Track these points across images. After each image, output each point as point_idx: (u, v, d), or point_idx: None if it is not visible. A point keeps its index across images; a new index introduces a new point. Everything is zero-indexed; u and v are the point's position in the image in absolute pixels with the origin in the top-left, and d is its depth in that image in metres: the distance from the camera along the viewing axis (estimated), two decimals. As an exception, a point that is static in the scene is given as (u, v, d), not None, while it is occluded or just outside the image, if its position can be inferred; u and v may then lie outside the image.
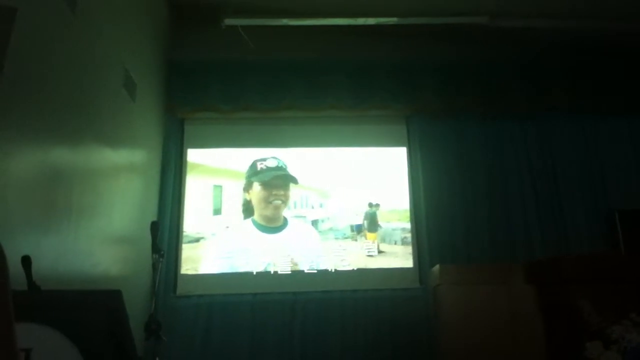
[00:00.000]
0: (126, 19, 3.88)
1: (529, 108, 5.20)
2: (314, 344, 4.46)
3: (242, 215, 4.94)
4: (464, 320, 3.85)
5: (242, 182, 5.03)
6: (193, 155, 5.09)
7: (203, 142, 5.13)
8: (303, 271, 4.78)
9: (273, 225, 4.93)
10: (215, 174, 5.04)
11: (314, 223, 4.97)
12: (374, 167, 5.17)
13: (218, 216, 4.91)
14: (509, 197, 4.99)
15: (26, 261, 1.98)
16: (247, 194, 4.99)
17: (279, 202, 4.97)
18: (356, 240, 4.93)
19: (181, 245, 4.80)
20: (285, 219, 4.95)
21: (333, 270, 4.81)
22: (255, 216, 4.94)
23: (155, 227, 2.58)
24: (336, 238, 4.92)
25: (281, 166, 5.09)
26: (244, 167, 5.06)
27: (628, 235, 4.47)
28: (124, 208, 3.87)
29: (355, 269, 4.83)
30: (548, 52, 5.33)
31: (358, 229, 4.96)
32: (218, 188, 4.99)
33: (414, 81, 5.16)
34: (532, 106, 5.19)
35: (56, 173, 2.75)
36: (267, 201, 4.97)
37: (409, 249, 4.94)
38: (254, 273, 4.75)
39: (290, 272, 4.77)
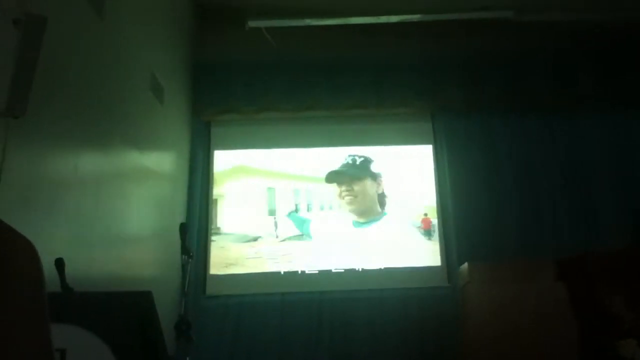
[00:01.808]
0: (152, 22, 3.94)
1: (556, 102, 5.11)
2: (342, 343, 4.46)
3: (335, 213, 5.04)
4: (492, 318, 3.80)
5: (290, 182, 5.11)
6: (243, 158, 5.15)
7: (229, 144, 5.17)
8: (330, 270, 4.79)
9: (364, 219, 5.02)
10: (266, 175, 5.12)
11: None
12: (399, 165, 5.16)
13: (272, 217, 4.99)
14: (538, 192, 4.92)
15: (59, 263, 2.03)
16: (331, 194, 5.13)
17: (350, 197, 5.05)
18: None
19: (209, 246, 4.85)
20: (382, 213, 5.02)
21: (360, 269, 4.80)
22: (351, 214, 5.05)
23: (184, 228, 2.61)
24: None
25: (347, 162, 5.18)
26: (292, 168, 5.14)
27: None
28: (153, 210, 3.93)
29: (382, 268, 4.81)
30: (575, 46, 5.22)
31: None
32: (272, 190, 5.06)
33: (438, 78, 5.13)
34: (560, 100, 5.10)
35: (87, 176, 2.81)
36: (340, 197, 5.06)
37: (436, 248, 4.90)
38: (282, 273, 4.77)
39: (317, 272, 4.78)
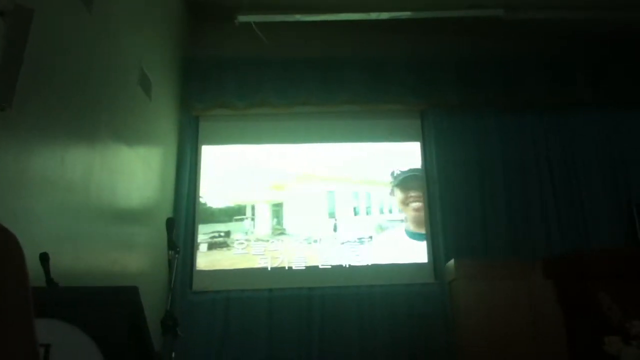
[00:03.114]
0: (142, 17, 3.91)
1: (548, 101, 5.14)
2: (331, 339, 4.47)
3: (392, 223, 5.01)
4: (480, 315, 3.83)
5: (351, 186, 5.10)
6: (298, 166, 5.12)
7: (218, 139, 5.16)
8: (317, 267, 4.79)
9: (420, 231, 4.97)
10: (326, 180, 5.10)
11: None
12: (388, 162, 5.18)
13: (332, 219, 4.99)
14: (527, 191, 4.95)
15: (44, 258, 2.01)
16: (393, 199, 5.08)
17: (418, 204, 5.02)
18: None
19: (197, 242, 4.83)
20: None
21: (347, 266, 4.81)
22: (408, 223, 5.01)
23: (170, 223, 2.60)
24: None
25: (416, 168, 5.16)
26: (350, 172, 5.12)
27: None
28: (141, 205, 3.91)
29: (369, 264, 4.83)
30: (567, 44, 5.26)
31: None
32: (332, 193, 5.06)
33: (430, 75, 5.14)
34: (552, 99, 5.13)
35: (74, 170, 2.79)
36: (405, 204, 5.04)
37: (423, 244, 4.93)
38: (269, 269, 4.77)
39: (304, 268, 4.78)
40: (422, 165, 5.15)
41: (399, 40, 5.19)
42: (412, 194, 5.08)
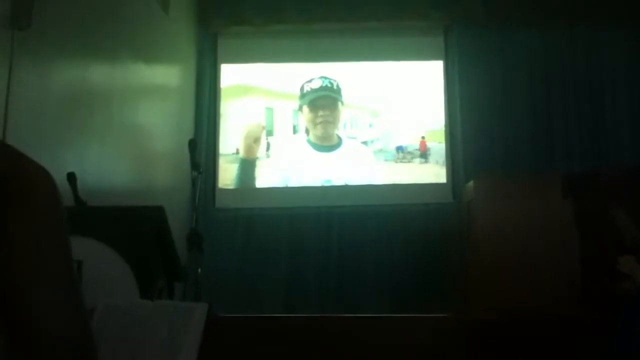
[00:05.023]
0: None
1: (576, 15, 4.89)
2: (348, 255, 4.59)
3: (302, 135, 4.97)
4: (497, 234, 3.86)
5: (292, 103, 5.00)
6: (242, 76, 5.03)
7: (237, 57, 5.08)
8: (338, 185, 4.84)
9: (327, 144, 4.95)
10: (268, 95, 5.01)
11: (364, 144, 4.98)
12: (412, 82, 5.05)
13: (270, 137, 4.94)
14: (551, 111, 4.82)
15: (71, 177, 2.06)
16: (301, 116, 5.00)
17: (326, 122, 4.96)
18: (397, 162, 4.93)
19: (218, 160, 4.89)
20: (339, 139, 4.96)
21: (367, 185, 4.85)
22: (310, 136, 4.97)
23: (193, 144, 2.63)
24: (386, 160, 4.93)
25: (326, 86, 5.01)
26: (293, 88, 5.01)
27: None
28: (162, 124, 3.93)
29: (389, 183, 4.86)
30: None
31: (402, 150, 4.95)
32: (270, 110, 4.99)
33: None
34: (580, 13, 4.88)
35: (95, 90, 2.80)
36: (314, 122, 4.97)
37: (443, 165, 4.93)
38: (291, 187, 4.85)
39: (326, 186, 4.83)
40: (443, 84, 5.03)
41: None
42: (322, 112, 4.97)
